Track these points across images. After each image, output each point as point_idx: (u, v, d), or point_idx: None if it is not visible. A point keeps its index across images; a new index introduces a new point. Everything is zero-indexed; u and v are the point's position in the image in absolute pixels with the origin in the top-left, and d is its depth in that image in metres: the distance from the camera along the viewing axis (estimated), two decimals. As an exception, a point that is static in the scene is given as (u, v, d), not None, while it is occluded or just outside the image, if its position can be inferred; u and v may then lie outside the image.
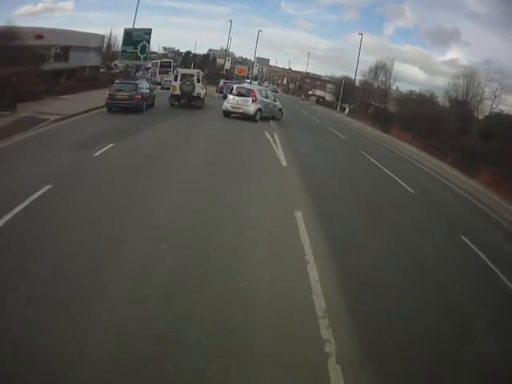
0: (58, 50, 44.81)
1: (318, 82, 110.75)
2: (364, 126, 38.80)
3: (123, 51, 41.65)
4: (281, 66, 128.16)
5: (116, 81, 25.05)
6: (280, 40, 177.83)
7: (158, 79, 47.21)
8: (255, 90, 24.78)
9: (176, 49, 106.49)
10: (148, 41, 40.88)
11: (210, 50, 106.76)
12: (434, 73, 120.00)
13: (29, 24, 44.71)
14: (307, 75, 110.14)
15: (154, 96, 26.33)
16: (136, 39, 40.38)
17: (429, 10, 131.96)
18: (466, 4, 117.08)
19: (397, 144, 28.45)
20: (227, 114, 24.33)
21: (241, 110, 23.68)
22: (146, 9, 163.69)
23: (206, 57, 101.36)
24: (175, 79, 27.21)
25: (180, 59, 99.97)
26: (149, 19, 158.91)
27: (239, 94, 24.33)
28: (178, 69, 35.55)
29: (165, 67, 52.86)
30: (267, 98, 26.12)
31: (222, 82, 50.44)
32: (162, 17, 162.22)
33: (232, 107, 24.05)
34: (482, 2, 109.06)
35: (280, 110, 27.44)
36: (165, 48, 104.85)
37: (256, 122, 23.28)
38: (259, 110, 23.96)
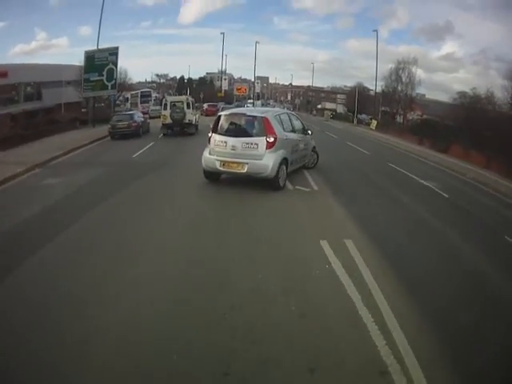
0: (29, 88, 38.82)
1: (323, 94, 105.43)
2: (409, 145, 29.02)
3: (86, 80, 32.70)
4: (281, 83, 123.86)
5: (116, 113, 30.07)
6: (277, 56, 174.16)
7: (140, 109, 43.39)
8: (270, 119, 10.94)
9: (170, 75, 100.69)
10: (115, 63, 32.25)
11: (207, 73, 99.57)
12: (432, 70, 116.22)
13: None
14: (310, 88, 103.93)
15: (149, 123, 28.72)
16: (100, 63, 31.96)
17: (419, 7, 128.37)
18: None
19: (476, 174, 18.72)
20: (212, 175, 11.63)
21: (244, 169, 10.61)
22: (139, 39, 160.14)
23: (202, 80, 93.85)
24: (165, 108, 25.99)
25: (175, 85, 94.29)
26: (142, 49, 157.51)
27: (236, 132, 11.03)
28: (166, 97, 33.77)
29: (145, 97, 52.68)
30: (293, 129, 12.45)
31: (219, 104, 43.02)
32: (156, 45, 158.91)
33: (222, 162, 10.85)
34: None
35: (314, 148, 14.37)
36: (157, 75, 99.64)
37: (279, 188, 11.02)
38: (283, 162, 11.02)
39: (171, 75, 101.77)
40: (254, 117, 11.13)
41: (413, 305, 5.28)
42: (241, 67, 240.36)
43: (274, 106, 67.94)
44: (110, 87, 32.51)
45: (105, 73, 31.88)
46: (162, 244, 7.20)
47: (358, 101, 57.89)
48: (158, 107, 48.44)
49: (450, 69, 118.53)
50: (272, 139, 10.56)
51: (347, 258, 6.63)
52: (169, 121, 25.32)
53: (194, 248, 7.01)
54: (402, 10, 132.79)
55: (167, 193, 11.02)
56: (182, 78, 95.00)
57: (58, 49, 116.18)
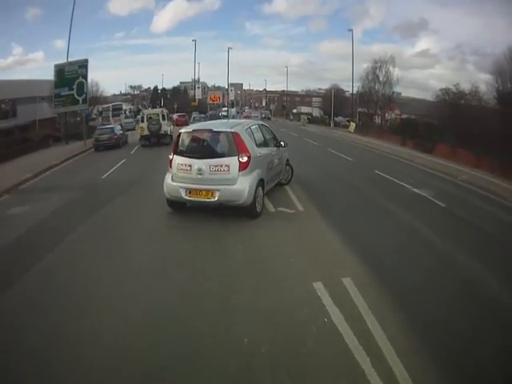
0: (3, 106, 37.16)
1: (298, 98, 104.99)
2: (392, 147, 27.81)
3: (57, 95, 30.83)
4: (255, 89, 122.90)
5: (97, 127, 31.71)
6: (251, 62, 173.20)
7: (112, 122, 42.93)
8: (240, 134, 9.12)
9: (144, 86, 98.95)
10: (85, 76, 30.60)
11: (181, 82, 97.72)
12: (407, 67, 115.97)
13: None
14: (284, 93, 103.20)
15: (127, 135, 30.72)
16: (70, 76, 30.21)
17: (393, 4, 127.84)
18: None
19: (468, 175, 17.41)
20: (177, 204, 9.72)
21: (214, 197, 8.74)
22: (113, 50, 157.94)
23: (176, 90, 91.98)
24: (142, 120, 28.36)
25: (149, 96, 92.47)
26: (116, 61, 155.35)
27: (202, 152, 9.18)
28: (143, 110, 35.85)
29: (117, 110, 51.89)
30: (266, 143, 10.65)
31: (194, 114, 41.96)
32: (130, 56, 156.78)
33: (188, 190, 9.01)
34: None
35: (288, 161, 12.44)
36: (131, 87, 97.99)
37: (257, 215, 9.21)
38: (260, 184, 9.31)
39: (145, 86, 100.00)
40: (222, 132, 9.24)
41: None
42: (215, 75, 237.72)
43: (250, 113, 69.04)
44: (80, 101, 30.63)
45: (75, 87, 30.07)
46: (117, 300, 5.68)
47: (334, 103, 56.80)
48: (130, 119, 49.75)
49: (425, 65, 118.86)
50: (245, 158, 8.80)
51: (349, 304, 5.36)
52: (146, 132, 27.17)
53: (158, 303, 5.56)
54: (375, 8, 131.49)
55: (133, 224, 9.35)
56: (156, 88, 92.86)
57: (35, 63, 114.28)
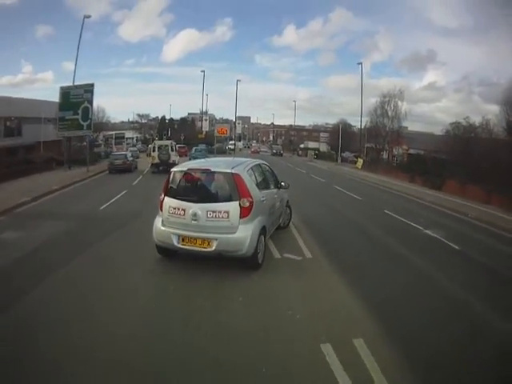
0: (8, 123, 36.04)
1: (305, 133, 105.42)
2: (400, 184, 27.40)
3: (61, 119, 30.44)
4: (263, 123, 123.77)
5: (112, 153, 37.16)
6: (259, 95, 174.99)
7: (115, 150, 45.47)
8: (242, 176, 8.07)
9: (152, 115, 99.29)
10: (90, 101, 30.16)
11: (189, 113, 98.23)
12: (414, 101, 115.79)
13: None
14: (292, 128, 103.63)
15: (137, 162, 33.73)
16: (75, 100, 29.82)
17: (401, 37, 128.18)
18: (437, 21, 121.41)
19: (478, 212, 16.89)
20: (167, 252, 8.58)
21: (211, 247, 7.67)
22: (122, 77, 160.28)
23: (183, 120, 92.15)
24: (153, 150, 31.41)
25: (156, 125, 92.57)
26: (125, 87, 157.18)
27: (198, 195, 8.03)
28: (155, 141, 38.36)
29: (119, 139, 52.49)
30: (267, 185, 9.79)
31: (193, 149, 44.91)
32: (140, 84, 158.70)
33: (181, 237, 7.91)
34: (451, 14, 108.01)
35: (287, 203, 11.64)
36: (139, 115, 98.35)
37: (258, 266, 8.14)
38: (262, 232, 8.28)
39: (153, 115, 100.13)
40: (221, 173, 8.16)
41: None
42: (223, 107, 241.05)
43: (259, 148, 75.15)
44: (85, 127, 30.11)
45: (80, 111, 29.63)
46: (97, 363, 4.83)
47: (342, 138, 56.58)
48: (135, 148, 52.60)
49: (432, 99, 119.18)
50: (247, 204, 7.74)
51: (360, 369, 4.70)
52: (157, 161, 30.15)
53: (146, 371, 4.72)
54: (384, 40, 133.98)
55: (124, 269, 8.26)
56: (164, 118, 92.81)
57: (43, 83, 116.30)
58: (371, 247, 10.42)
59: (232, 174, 7.96)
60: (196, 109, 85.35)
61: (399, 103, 46.45)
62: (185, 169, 8.49)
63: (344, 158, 55.46)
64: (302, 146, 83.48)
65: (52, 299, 6.53)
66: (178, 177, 8.38)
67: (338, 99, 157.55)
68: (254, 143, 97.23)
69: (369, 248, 10.32)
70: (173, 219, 7.97)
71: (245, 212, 7.69)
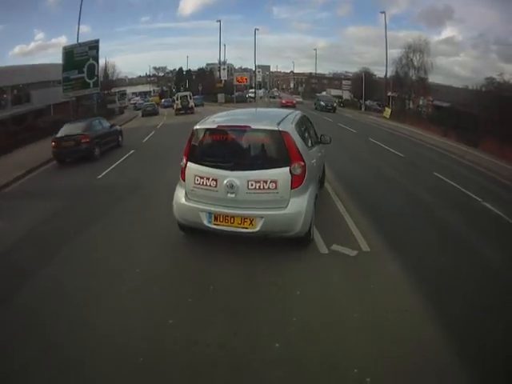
0: (16, 92, 34.80)
1: (325, 81, 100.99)
2: (435, 138, 24.49)
3: (65, 79, 28.17)
4: (282, 71, 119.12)
5: (144, 103, 51.08)
6: (277, 45, 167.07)
7: (118, 104, 51.47)
8: (291, 134, 6.05)
9: (169, 68, 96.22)
10: (96, 58, 27.72)
11: (207, 64, 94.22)
12: (433, 54, 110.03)
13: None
14: (312, 75, 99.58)
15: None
16: (79, 59, 27.47)
17: None
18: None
19: None
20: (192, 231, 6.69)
21: (256, 227, 5.81)
22: (137, 34, 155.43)
23: (201, 71, 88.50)
24: (176, 99, 42.65)
25: (174, 78, 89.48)
26: (142, 44, 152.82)
27: (235, 161, 6.00)
28: (177, 93, 47.64)
29: (122, 95, 59.41)
30: (311, 141, 7.61)
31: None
32: (155, 39, 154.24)
33: (215, 215, 5.99)
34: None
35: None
36: (156, 68, 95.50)
37: (308, 243, 6.50)
38: (315, 203, 6.54)
39: (170, 68, 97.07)
40: (265, 131, 6.09)
41: None
42: (241, 57, 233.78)
43: (293, 100, 52.96)
44: (91, 85, 27.89)
45: (85, 69, 27.41)
46: None
47: (365, 86, 53.21)
48: (141, 101, 64.43)
49: (450, 53, 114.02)
50: (300, 170, 5.90)
51: None
52: (180, 106, 41.12)
53: None
54: None
55: (128, 255, 6.43)
56: (181, 69, 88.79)
57: (57, 48, 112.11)
58: (439, 232, 7.83)
59: (280, 131, 5.98)
60: (214, 60, 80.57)
61: (425, 54, 43.13)
62: (214, 126, 6.29)
63: (367, 107, 52.39)
64: (324, 93, 79.44)
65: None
66: (205, 136, 6.31)
67: (356, 49, 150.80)
68: (275, 91, 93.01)
69: (435, 233, 7.77)
70: (201, 192, 6.09)
71: (297, 180, 5.87)
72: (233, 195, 5.83)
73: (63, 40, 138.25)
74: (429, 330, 4.49)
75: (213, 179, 5.93)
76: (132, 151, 17.06)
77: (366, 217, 8.10)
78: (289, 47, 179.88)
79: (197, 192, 6.11)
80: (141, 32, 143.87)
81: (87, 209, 9.32)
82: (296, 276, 5.62)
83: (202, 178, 6.02)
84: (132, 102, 66.96)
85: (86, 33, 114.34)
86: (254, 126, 6.08)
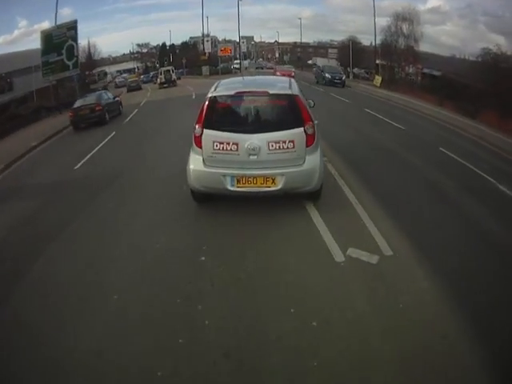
0: None
1: (310, 50, 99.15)
2: (431, 108, 23.63)
3: (45, 63, 26.95)
4: (266, 41, 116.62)
5: (129, 80, 50.28)
6: (261, 17, 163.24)
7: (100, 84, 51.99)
8: (301, 98, 6.63)
9: (152, 44, 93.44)
10: (75, 38, 26.83)
11: (190, 37, 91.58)
12: (418, 23, 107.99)
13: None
14: (297, 45, 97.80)
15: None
16: (58, 41, 26.44)
17: None
18: None
19: None
20: (207, 197, 7.05)
21: (278, 185, 6.26)
22: (119, 12, 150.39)
23: (185, 45, 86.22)
24: (160, 74, 45.94)
25: (157, 53, 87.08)
26: (124, 22, 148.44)
27: (254, 125, 6.38)
28: (161, 68, 49.80)
29: (103, 75, 62.53)
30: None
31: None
32: (138, 16, 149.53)
33: (237, 178, 6.29)
34: None
35: None
36: (139, 45, 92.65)
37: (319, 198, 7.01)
38: (322, 161, 6.83)
39: (153, 44, 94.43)
40: (281, 96, 6.50)
41: None
42: (225, 29, 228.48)
43: (291, 70, 44.16)
44: (71, 66, 26.90)
45: (64, 51, 26.34)
46: None
47: (352, 54, 52.06)
48: (121, 79, 60.74)
49: (436, 21, 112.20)
50: (311, 129, 6.34)
51: None
52: (163, 80, 43.89)
53: None
54: None
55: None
56: (164, 44, 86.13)
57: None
58: (466, 227, 6.99)
59: (294, 95, 6.48)
60: (198, 33, 78.11)
61: (415, 23, 42.78)
62: (232, 92, 6.56)
63: (355, 75, 51.48)
64: (310, 62, 77.85)
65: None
66: (222, 103, 6.54)
67: (341, 18, 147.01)
68: (260, 61, 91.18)
69: (463, 228, 6.92)
70: (221, 157, 6.31)
71: (310, 139, 6.36)
72: (255, 157, 6.17)
73: (46, 25, 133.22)
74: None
75: (233, 143, 6.18)
76: (132, 114, 21.86)
77: (376, 204, 7.31)
78: (272, 18, 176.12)
79: (216, 157, 6.30)
80: (123, 10, 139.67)
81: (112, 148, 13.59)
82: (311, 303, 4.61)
83: (221, 143, 6.22)
84: (115, 80, 64.66)
85: (69, 15, 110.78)
86: (271, 91, 6.43)
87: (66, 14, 41.36)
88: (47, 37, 26.89)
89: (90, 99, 20.27)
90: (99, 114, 19.26)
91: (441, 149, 12.59)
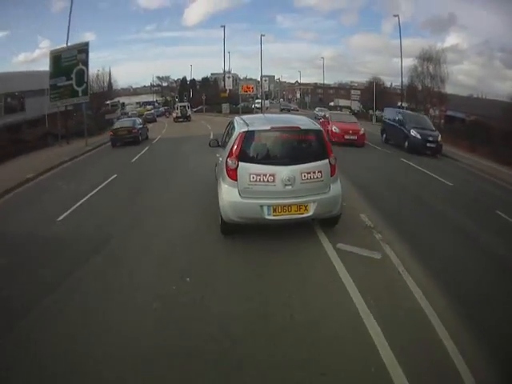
0: (10, 99, 32.19)
1: (331, 91, 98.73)
2: (466, 155, 21.48)
3: (53, 87, 25.08)
4: (287, 81, 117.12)
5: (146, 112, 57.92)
6: (282, 55, 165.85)
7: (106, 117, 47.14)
8: (324, 132, 7.28)
9: (173, 78, 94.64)
10: (85, 63, 24.54)
11: (211, 74, 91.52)
12: (444, 63, 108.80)
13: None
14: (318, 86, 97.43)
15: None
16: (67, 63, 24.37)
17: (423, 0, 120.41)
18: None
19: None
20: (236, 228, 7.09)
21: (309, 211, 6.67)
22: (141, 42, 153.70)
23: (205, 81, 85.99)
24: (176, 108, 50.07)
25: (177, 87, 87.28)
26: (146, 53, 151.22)
27: (287, 157, 6.73)
28: (177, 103, 53.71)
29: (114, 106, 56.83)
30: None
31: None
32: (160, 48, 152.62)
33: (274, 207, 6.56)
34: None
35: None
36: (159, 78, 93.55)
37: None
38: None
39: (174, 77, 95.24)
40: (311, 131, 7.12)
41: None
42: (246, 67, 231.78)
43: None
44: (80, 93, 24.62)
45: (73, 75, 24.23)
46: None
47: (375, 96, 50.22)
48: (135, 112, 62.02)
49: (455, 61, 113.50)
50: (334, 161, 7.04)
51: None
52: (179, 115, 46.80)
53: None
54: (406, 2, 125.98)
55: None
56: (185, 79, 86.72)
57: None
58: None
59: (320, 131, 7.22)
60: (218, 69, 77.32)
61: (441, 62, 41.13)
62: (267, 127, 7.07)
63: (378, 118, 49.44)
64: (331, 103, 76.21)
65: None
66: (257, 137, 6.96)
67: (361, 58, 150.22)
68: (282, 101, 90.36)
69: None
70: (258, 188, 6.64)
71: (333, 170, 7.01)
72: (290, 187, 6.59)
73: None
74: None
75: (270, 175, 6.56)
76: (155, 140, 25.61)
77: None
78: (294, 58, 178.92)
79: (253, 188, 6.61)
80: (145, 41, 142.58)
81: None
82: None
83: (258, 175, 6.58)
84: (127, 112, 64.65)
85: (91, 41, 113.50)
86: (302, 127, 7.05)
87: (87, 40, 40.32)
88: (56, 58, 24.94)
89: (128, 123, 25.01)
90: (134, 136, 23.32)
91: (497, 212, 10.10)
